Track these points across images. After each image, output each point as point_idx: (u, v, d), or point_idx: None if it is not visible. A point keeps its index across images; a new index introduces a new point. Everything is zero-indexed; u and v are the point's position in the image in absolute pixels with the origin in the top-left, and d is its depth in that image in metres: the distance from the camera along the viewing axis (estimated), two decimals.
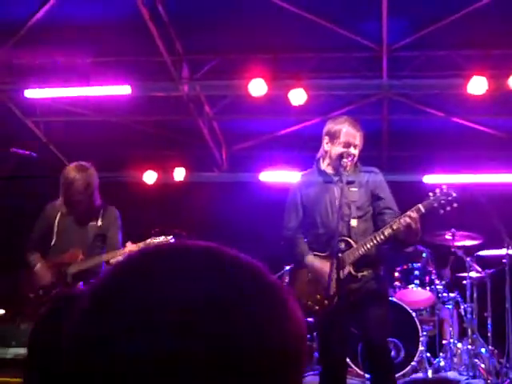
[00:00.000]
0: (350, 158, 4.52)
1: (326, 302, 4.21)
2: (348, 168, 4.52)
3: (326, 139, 4.67)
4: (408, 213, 4.31)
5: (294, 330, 0.81)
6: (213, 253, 0.84)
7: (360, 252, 4.32)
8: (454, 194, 4.41)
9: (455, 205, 4.43)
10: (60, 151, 9.85)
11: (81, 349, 0.77)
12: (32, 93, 8.21)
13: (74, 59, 8.10)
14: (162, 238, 5.00)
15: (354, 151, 4.59)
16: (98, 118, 9.12)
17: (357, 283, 4.35)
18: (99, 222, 5.21)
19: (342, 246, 4.37)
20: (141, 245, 4.85)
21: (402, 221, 4.27)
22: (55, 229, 5.25)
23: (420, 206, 4.38)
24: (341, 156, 4.51)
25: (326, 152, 4.70)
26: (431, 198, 4.43)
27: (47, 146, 9.61)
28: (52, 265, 5.15)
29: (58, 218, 5.26)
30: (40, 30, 7.45)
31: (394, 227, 4.27)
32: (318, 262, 4.40)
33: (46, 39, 7.72)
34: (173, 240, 4.90)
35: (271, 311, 0.80)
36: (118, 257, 4.85)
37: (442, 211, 4.43)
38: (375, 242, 4.31)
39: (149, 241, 4.95)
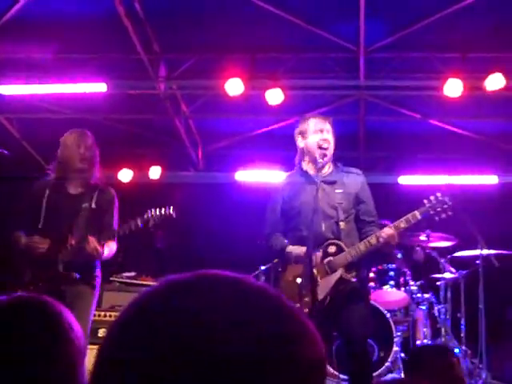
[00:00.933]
0: (326, 145, 4.55)
1: (315, 304, 4.16)
2: (328, 155, 4.56)
3: (298, 138, 4.76)
4: (397, 223, 4.36)
5: (316, 349, 0.86)
6: (240, 287, 0.89)
7: (352, 255, 4.34)
8: (450, 202, 4.44)
9: (450, 213, 4.45)
10: (34, 149, 9.73)
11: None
12: (5, 89, 8.10)
13: (49, 56, 8.00)
14: (162, 211, 4.64)
15: (328, 135, 4.63)
16: (73, 116, 9.02)
17: (344, 285, 4.36)
18: (93, 205, 4.70)
19: (333, 249, 4.38)
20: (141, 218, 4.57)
21: (382, 235, 4.29)
22: (43, 211, 4.65)
23: (416, 212, 4.40)
24: (317, 144, 4.55)
25: (302, 150, 4.73)
26: (427, 205, 4.45)
27: (20, 144, 9.48)
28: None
29: (45, 197, 4.68)
30: (14, 26, 7.35)
31: (380, 240, 4.29)
32: (299, 249, 4.38)
33: (20, 35, 7.62)
34: (172, 213, 4.66)
35: (296, 336, 0.85)
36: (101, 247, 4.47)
37: (436, 218, 4.45)
38: (368, 246, 4.33)
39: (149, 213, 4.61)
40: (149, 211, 4.63)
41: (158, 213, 4.63)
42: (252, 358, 0.79)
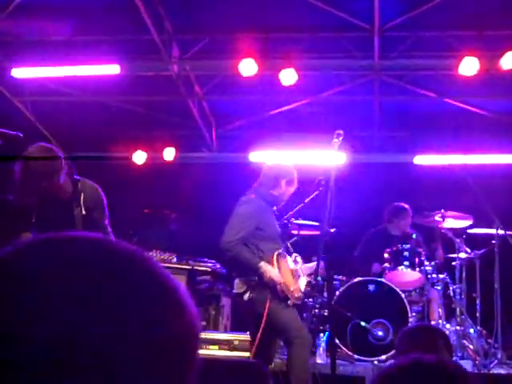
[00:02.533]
0: None
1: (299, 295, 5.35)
2: None
3: (283, 183, 5.59)
4: None
5: (188, 319, 0.81)
6: (99, 244, 0.82)
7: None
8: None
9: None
10: (48, 131, 9.76)
11: None
12: (19, 72, 8.11)
13: (62, 38, 8.00)
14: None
15: None
16: (86, 98, 9.04)
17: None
18: (83, 211, 4.56)
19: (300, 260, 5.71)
20: None
21: None
22: (35, 220, 4.53)
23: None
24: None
25: (280, 191, 5.59)
26: None
27: (35, 126, 9.51)
28: None
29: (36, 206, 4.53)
30: (27, 7, 7.34)
31: None
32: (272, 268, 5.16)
33: (33, 17, 7.61)
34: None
35: (162, 302, 0.80)
36: None
37: None
38: None
39: None
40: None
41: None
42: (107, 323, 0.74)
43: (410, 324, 6.37)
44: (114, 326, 0.74)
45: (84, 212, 4.56)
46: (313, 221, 7.21)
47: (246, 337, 6.36)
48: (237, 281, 5.34)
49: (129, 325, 0.75)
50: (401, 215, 7.80)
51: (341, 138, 5.20)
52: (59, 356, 0.71)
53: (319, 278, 6.90)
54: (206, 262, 7.54)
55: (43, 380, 0.71)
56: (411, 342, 3.23)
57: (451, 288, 6.95)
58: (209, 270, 7.46)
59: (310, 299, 6.99)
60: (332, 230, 5.11)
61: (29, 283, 0.75)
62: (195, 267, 7.38)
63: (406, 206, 7.83)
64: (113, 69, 7.97)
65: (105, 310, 0.75)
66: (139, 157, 9.60)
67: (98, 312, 0.74)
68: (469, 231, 7.11)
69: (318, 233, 6.94)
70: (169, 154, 9.58)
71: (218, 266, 7.24)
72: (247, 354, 6.19)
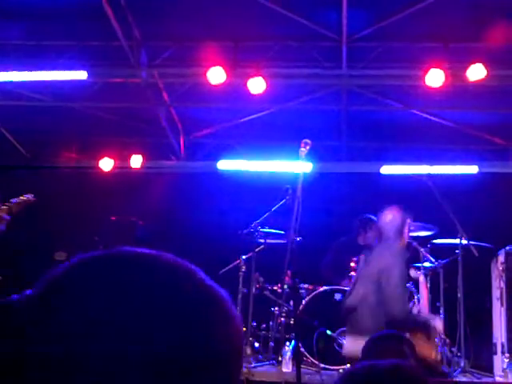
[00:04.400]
0: None
1: None
2: None
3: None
4: None
5: (235, 329, 0.85)
6: (154, 263, 0.85)
7: None
8: None
9: None
10: (13, 136, 9.63)
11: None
12: None
13: (28, 42, 7.92)
14: (20, 198, 4.79)
15: None
16: (53, 104, 8.94)
17: None
18: None
19: None
20: (3, 210, 4.64)
21: None
22: None
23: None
24: None
25: None
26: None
27: (0, 132, 9.38)
28: None
29: None
30: None
31: None
32: None
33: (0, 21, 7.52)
34: (32, 198, 4.78)
35: (214, 314, 0.83)
36: None
37: None
38: None
39: (9, 204, 4.69)
40: (11, 200, 4.73)
41: (18, 200, 4.73)
42: (160, 337, 0.76)
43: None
44: (171, 339, 0.77)
45: None
46: (279, 229, 7.22)
47: None
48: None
49: (184, 337, 0.78)
50: (368, 227, 7.87)
51: (308, 147, 5.23)
52: (113, 369, 0.74)
53: (285, 287, 6.92)
54: None
55: None
56: (377, 349, 3.24)
57: (416, 297, 7.01)
58: None
59: (276, 308, 6.99)
60: (298, 239, 5.11)
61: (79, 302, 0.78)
62: None
63: (374, 218, 7.89)
64: (80, 74, 7.90)
65: (161, 322, 0.78)
66: (106, 164, 9.53)
67: (148, 329, 0.77)
68: (433, 241, 7.18)
69: (284, 241, 6.97)
70: (136, 161, 9.54)
71: None
72: None
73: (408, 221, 5.68)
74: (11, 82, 8.21)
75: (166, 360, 0.75)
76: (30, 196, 4.80)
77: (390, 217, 5.69)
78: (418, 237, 7.14)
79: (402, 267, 5.30)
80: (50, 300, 0.79)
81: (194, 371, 0.77)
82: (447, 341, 6.71)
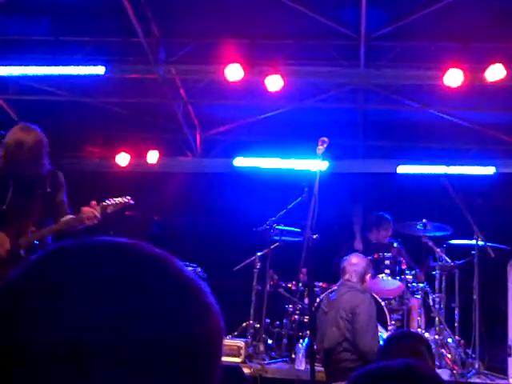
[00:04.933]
0: None
1: None
2: None
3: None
4: None
5: (213, 320, 0.84)
6: (129, 251, 0.84)
7: None
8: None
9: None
10: None
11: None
12: (3, 70, 8.06)
13: (48, 37, 7.96)
14: (117, 200, 4.78)
15: None
16: (71, 98, 8.99)
17: None
18: (48, 189, 4.73)
19: None
20: (97, 209, 4.67)
21: None
22: None
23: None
24: None
25: None
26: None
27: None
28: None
29: None
30: (13, 6, 7.30)
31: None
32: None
33: (18, 15, 7.57)
34: (130, 201, 4.76)
35: (192, 304, 0.82)
36: (72, 222, 4.58)
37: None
38: None
39: (105, 203, 4.73)
40: (107, 200, 4.71)
41: (114, 201, 4.71)
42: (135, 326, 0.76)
43: (389, 332, 6.39)
44: (144, 326, 0.76)
45: (49, 189, 4.71)
46: (295, 227, 7.22)
47: (235, 342, 6.37)
48: None
49: (158, 326, 0.77)
50: (381, 225, 7.87)
51: (325, 145, 5.23)
52: (84, 358, 0.73)
53: (300, 284, 6.93)
54: (188, 265, 7.52)
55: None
56: (392, 349, 3.23)
57: (431, 297, 6.98)
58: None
59: (290, 305, 7.00)
60: (315, 237, 5.11)
61: (60, 288, 0.77)
62: None
63: (388, 216, 7.89)
64: (98, 69, 7.94)
65: (134, 310, 0.77)
66: (123, 159, 9.57)
67: (127, 313, 0.76)
68: (449, 241, 7.16)
69: (299, 239, 6.97)
70: (152, 156, 9.56)
71: (199, 270, 7.23)
72: (238, 359, 6.21)
73: (370, 269, 6.04)
74: (29, 76, 8.27)
75: (142, 349, 0.75)
76: (127, 199, 4.74)
77: (354, 260, 5.96)
78: (433, 237, 7.12)
79: (368, 303, 5.61)
80: (26, 287, 0.79)
81: (171, 361, 0.76)
82: (462, 342, 6.69)
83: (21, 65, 8.02)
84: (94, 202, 4.60)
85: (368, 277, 5.93)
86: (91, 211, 4.56)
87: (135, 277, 0.80)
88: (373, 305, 5.71)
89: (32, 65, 8.01)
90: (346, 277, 5.87)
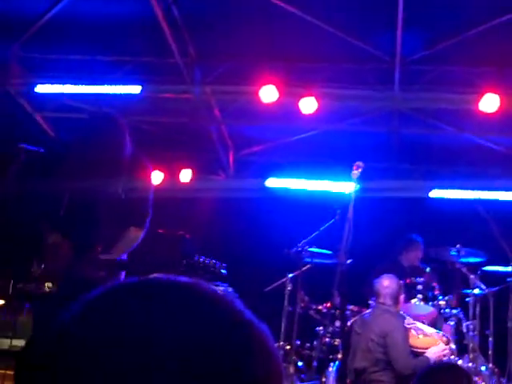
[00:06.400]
0: None
1: None
2: None
3: None
4: None
5: (271, 363, 0.84)
6: (192, 291, 0.85)
7: None
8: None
9: None
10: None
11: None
12: (42, 88, 8.21)
13: (86, 57, 8.11)
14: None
15: None
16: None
17: None
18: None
19: None
20: None
21: None
22: None
23: None
24: None
25: None
26: None
27: (55, 143, 9.59)
28: None
29: None
30: (53, 27, 7.45)
31: None
32: None
33: (59, 36, 7.72)
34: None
35: (248, 347, 0.82)
36: None
37: None
38: None
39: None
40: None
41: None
42: (196, 370, 0.76)
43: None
44: (204, 366, 0.77)
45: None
46: (326, 249, 7.19)
47: None
48: None
49: (217, 368, 0.77)
50: (410, 247, 7.80)
51: (360, 170, 5.22)
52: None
53: (332, 307, 6.88)
54: (219, 285, 7.52)
55: None
56: (437, 379, 3.19)
57: (464, 324, 6.88)
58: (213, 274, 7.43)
59: (321, 327, 6.95)
60: (349, 261, 5.09)
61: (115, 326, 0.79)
62: None
63: (418, 238, 7.81)
64: (134, 89, 8.05)
65: (196, 351, 0.77)
66: (156, 177, 9.64)
67: (189, 353, 0.77)
68: (484, 268, 7.06)
69: (330, 261, 6.94)
70: (185, 175, 9.63)
71: (230, 289, 7.23)
72: None
73: (402, 290, 6.15)
74: (67, 94, 8.41)
75: None
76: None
77: (386, 283, 6.01)
78: (467, 263, 7.04)
79: (402, 328, 5.71)
80: (89, 321, 0.80)
81: None
82: (496, 370, 6.57)
83: (59, 83, 8.17)
84: None
85: (401, 298, 5.96)
86: None
87: (197, 318, 0.80)
88: (405, 328, 5.73)
89: (69, 83, 8.16)
90: (381, 300, 5.93)
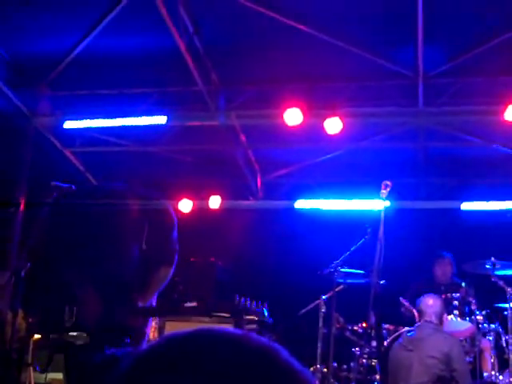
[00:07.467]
0: None
1: None
2: None
3: None
4: None
5: None
6: (239, 344, 0.87)
7: None
8: None
9: None
10: (96, 181, 9.96)
11: None
12: (71, 124, 8.37)
13: (112, 91, 8.24)
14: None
15: None
16: (135, 148, 9.23)
17: None
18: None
19: None
20: None
21: None
22: None
23: None
24: None
25: None
26: None
27: (85, 176, 9.74)
28: None
29: None
30: (79, 64, 7.61)
31: None
32: None
33: (84, 72, 7.88)
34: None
35: None
36: None
37: None
38: None
39: None
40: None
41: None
42: None
43: None
44: None
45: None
46: (358, 269, 7.15)
47: None
48: None
49: None
50: (437, 262, 7.72)
51: (388, 189, 5.20)
52: None
53: (367, 327, 6.82)
54: (263, 332, 7.51)
55: None
56: None
57: (503, 338, 6.76)
58: (256, 318, 7.41)
59: (357, 348, 6.89)
60: (382, 282, 5.05)
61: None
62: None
63: (445, 253, 7.73)
64: (160, 119, 8.15)
65: None
66: (185, 205, 9.72)
67: None
68: None
69: (363, 281, 6.89)
70: (214, 201, 9.68)
71: (273, 338, 7.22)
72: None
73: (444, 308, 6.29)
74: (95, 128, 8.56)
75: None
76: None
77: (431, 302, 6.15)
78: (503, 276, 6.93)
79: (460, 345, 5.98)
80: (139, 377, 0.84)
81: None
82: None
83: (86, 118, 8.32)
84: None
85: (445, 317, 6.09)
86: None
87: (247, 368, 0.83)
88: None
89: (97, 117, 8.30)
90: (426, 318, 6.02)
